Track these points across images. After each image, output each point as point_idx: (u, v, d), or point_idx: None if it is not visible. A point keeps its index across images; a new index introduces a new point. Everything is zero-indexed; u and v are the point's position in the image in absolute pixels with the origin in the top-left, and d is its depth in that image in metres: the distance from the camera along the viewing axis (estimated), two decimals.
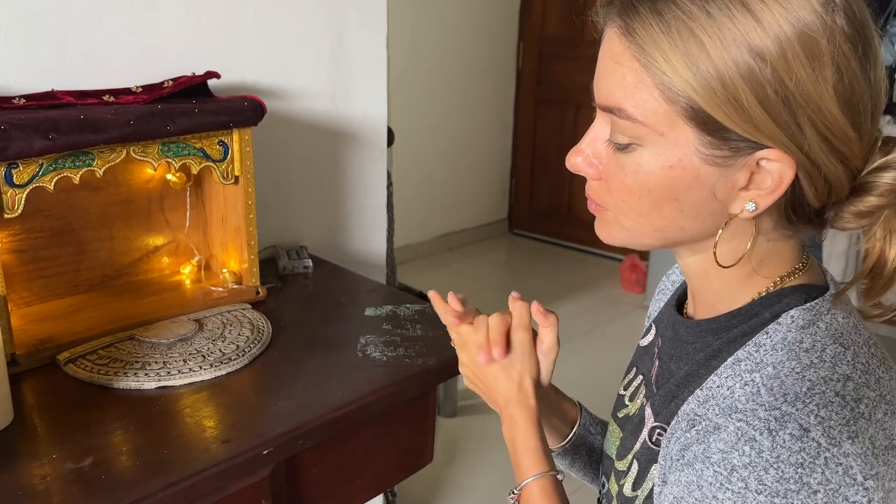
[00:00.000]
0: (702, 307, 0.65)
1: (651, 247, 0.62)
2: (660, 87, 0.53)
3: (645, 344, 0.77)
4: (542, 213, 4.37)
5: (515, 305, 0.76)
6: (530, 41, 4.20)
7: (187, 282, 1.19)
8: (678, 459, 0.55)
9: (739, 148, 0.53)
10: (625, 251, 3.90)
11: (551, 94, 4.19)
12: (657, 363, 0.70)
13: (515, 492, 0.71)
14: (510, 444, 0.72)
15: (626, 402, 0.75)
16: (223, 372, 0.94)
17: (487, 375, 0.75)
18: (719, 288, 0.62)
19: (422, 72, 3.73)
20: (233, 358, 0.96)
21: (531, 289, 3.68)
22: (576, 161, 0.61)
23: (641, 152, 0.56)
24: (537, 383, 0.74)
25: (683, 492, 0.53)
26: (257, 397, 0.91)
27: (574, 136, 4.10)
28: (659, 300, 0.81)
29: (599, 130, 0.59)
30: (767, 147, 0.52)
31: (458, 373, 1.03)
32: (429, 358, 1.00)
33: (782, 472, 0.48)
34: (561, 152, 4.21)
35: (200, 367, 0.93)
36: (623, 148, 0.57)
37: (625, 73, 0.54)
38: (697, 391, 0.58)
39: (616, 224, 0.61)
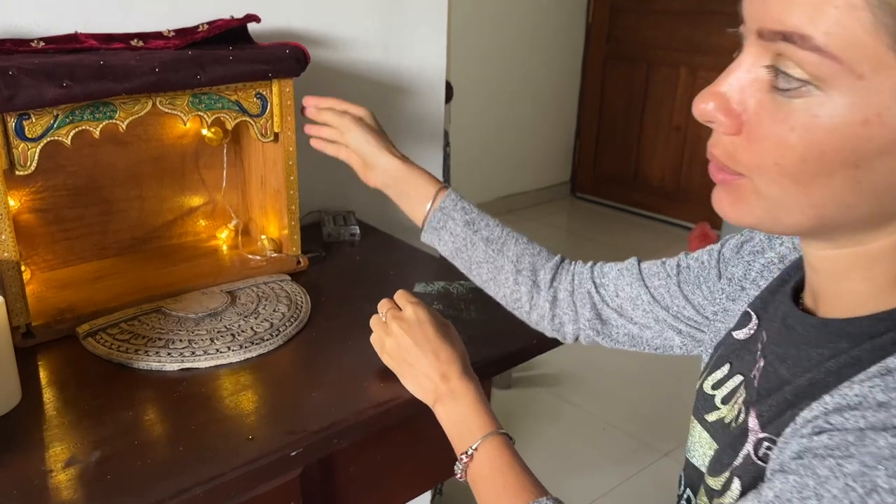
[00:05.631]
0: (831, 305, 0.51)
1: (791, 230, 0.48)
2: (874, 6, 0.38)
3: (743, 337, 0.63)
4: (607, 176, 4.17)
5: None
6: None
7: (224, 247, 1.09)
8: (794, 459, 0.43)
9: None
10: (694, 218, 3.69)
11: (622, 50, 3.95)
12: (761, 362, 0.57)
13: (470, 453, 0.68)
14: (452, 416, 0.71)
15: (718, 405, 0.62)
16: (253, 354, 0.84)
17: (411, 352, 0.75)
18: (863, 290, 0.48)
19: (485, 26, 3.54)
20: (265, 338, 0.86)
21: (592, 255, 3.47)
22: (706, 108, 0.47)
23: (820, 99, 0.41)
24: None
25: (792, 494, 0.41)
26: (289, 386, 0.80)
27: (645, 95, 3.87)
28: (749, 269, 0.67)
29: (750, 67, 0.45)
30: None
31: (518, 362, 0.92)
32: (484, 346, 0.88)
33: None
34: (629, 113, 4.00)
35: (229, 348, 0.83)
36: (790, 92, 0.43)
37: None
38: (826, 397, 0.45)
39: (754, 195, 0.47)
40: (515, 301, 0.85)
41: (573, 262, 0.85)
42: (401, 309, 0.79)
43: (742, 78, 0.46)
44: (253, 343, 0.85)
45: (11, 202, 0.91)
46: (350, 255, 1.15)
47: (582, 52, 4.12)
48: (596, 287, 0.81)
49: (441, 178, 1.45)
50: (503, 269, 0.84)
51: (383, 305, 0.81)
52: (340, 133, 0.91)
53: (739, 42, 0.47)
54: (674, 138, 3.81)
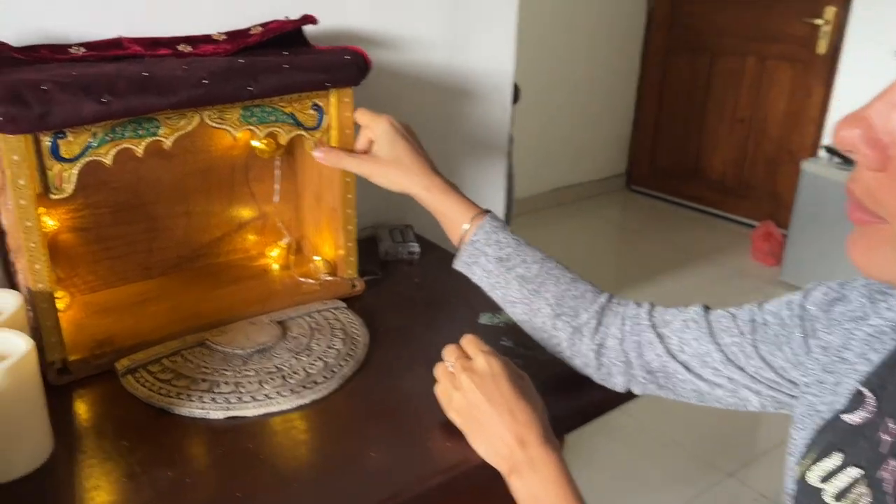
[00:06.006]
0: None
1: None
2: None
3: (858, 422, 0.53)
4: (665, 169, 4.00)
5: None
6: None
7: (274, 267, 1.01)
8: None
9: None
10: (757, 215, 3.51)
11: (684, 39, 3.76)
12: (893, 463, 0.47)
13: None
14: (531, 490, 0.63)
15: (830, 502, 0.52)
16: (306, 400, 0.76)
17: (484, 411, 0.66)
18: None
19: (543, 14, 3.40)
20: (319, 381, 0.78)
21: (647, 252, 3.37)
22: (849, 135, 0.39)
23: None
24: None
25: None
26: (345, 442, 0.72)
27: (708, 85, 3.68)
28: (850, 338, 0.57)
29: None
30: None
31: (601, 414, 0.82)
32: (560, 395, 0.78)
33: None
34: (691, 104, 3.81)
35: (279, 393, 0.75)
36: None
37: None
38: None
39: (892, 245, 0.40)
40: (555, 346, 0.77)
41: (623, 303, 0.76)
42: (470, 358, 0.70)
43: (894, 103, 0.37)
44: (305, 387, 0.77)
45: (50, 221, 0.85)
46: (408, 277, 1.06)
47: (642, 39, 3.94)
48: (660, 337, 0.71)
49: (504, 186, 1.35)
50: (540, 312, 0.76)
51: (450, 353, 0.72)
52: (369, 139, 0.86)
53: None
54: (738, 130, 3.62)
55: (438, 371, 0.72)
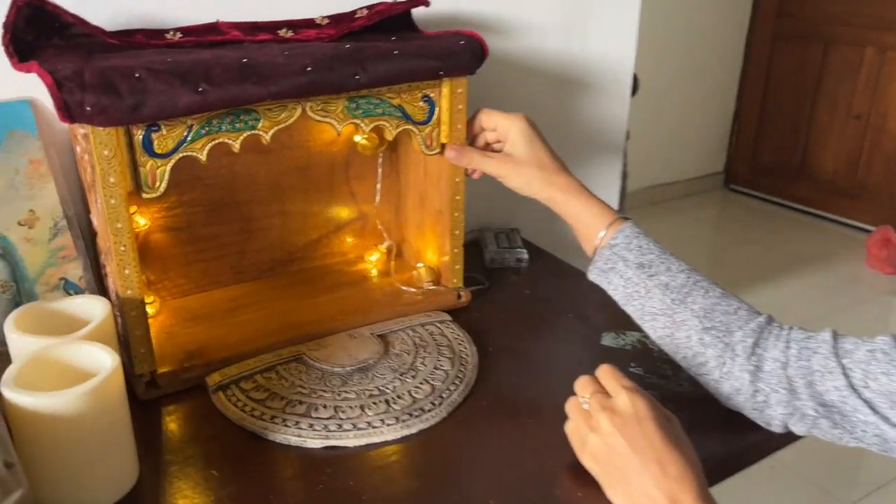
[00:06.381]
0: None
1: None
2: None
3: None
4: (768, 167, 3.75)
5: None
6: None
7: (373, 272, 0.93)
8: None
9: None
10: (873, 220, 3.23)
11: (794, 27, 3.50)
12: None
13: None
14: None
15: None
16: (412, 430, 0.67)
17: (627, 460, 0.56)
18: None
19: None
20: (426, 408, 0.69)
21: (748, 257, 3.16)
22: None
23: None
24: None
25: None
26: (456, 486, 0.62)
27: (819, 77, 3.42)
28: None
29: None
30: None
31: (756, 460, 0.70)
32: (706, 436, 0.66)
33: None
34: (799, 98, 3.55)
35: (382, 421, 0.67)
36: None
37: None
38: None
39: None
40: (699, 366, 0.66)
41: (787, 327, 0.64)
42: (609, 395, 0.60)
43: None
44: (411, 415, 0.68)
45: (141, 220, 0.79)
46: (517, 287, 0.96)
47: (746, 27, 3.70)
48: (844, 368, 0.59)
49: (619, 187, 1.24)
50: (684, 325, 0.66)
51: (585, 386, 0.62)
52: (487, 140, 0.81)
53: None
54: (852, 127, 3.35)
55: (570, 407, 0.62)
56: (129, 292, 0.67)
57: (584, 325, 0.87)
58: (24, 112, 0.70)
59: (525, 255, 1.00)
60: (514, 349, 0.81)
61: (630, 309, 0.71)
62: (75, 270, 0.72)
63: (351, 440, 0.65)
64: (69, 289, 0.72)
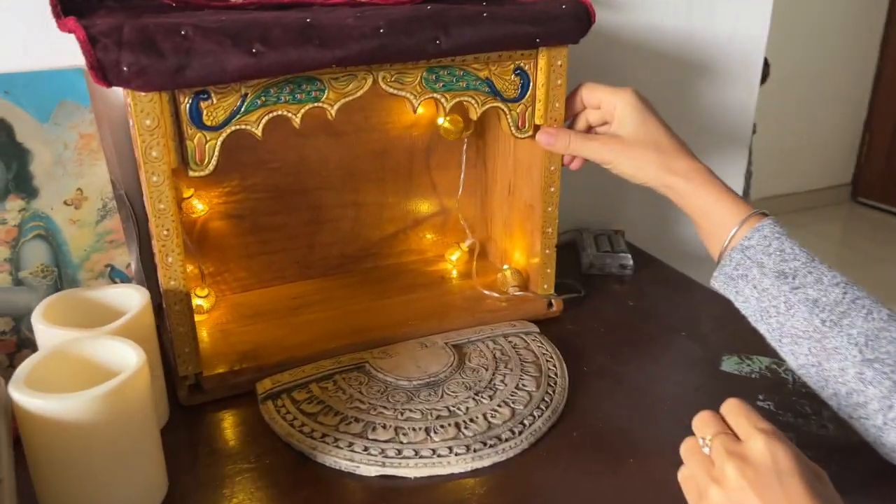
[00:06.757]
0: None
1: None
2: None
3: None
4: None
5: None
6: None
7: (453, 273, 0.83)
8: None
9: None
10: None
11: None
12: None
13: None
14: None
15: None
16: (486, 462, 0.56)
17: None
18: None
19: None
20: (504, 435, 0.58)
21: (877, 277, 2.84)
22: None
23: None
24: None
25: None
26: None
27: None
28: None
29: None
30: None
31: None
32: (861, 493, 0.52)
33: None
34: None
35: (451, 450, 0.56)
36: None
37: None
38: None
39: None
40: (856, 406, 0.52)
41: None
42: (739, 437, 0.46)
43: None
44: (485, 444, 0.57)
45: (199, 205, 0.72)
46: (619, 298, 0.83)
47: (883, 23, 3.36)
48: None
49: (742, 187, 1.08)
50: (837, 353, 0.52)
51: (707, 424, 0.48)
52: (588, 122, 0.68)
53: None
54: None
55: (687, 449, 0.49)
56: (172, 283, 0.60)
57: (699, 345, 0.73)
58: (76, 81, 0.64)
59: (630, 260, 0.87)
60: (612, 371, 0.68)
61: (764, 328, 0.57)
62: (123, 257, 0.66)
63: (411, 469, 0.55)
64: (115, 277, 0.66)
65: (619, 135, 0.64)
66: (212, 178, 0.72)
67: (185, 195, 0.70)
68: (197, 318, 0.72)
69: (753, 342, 0.70)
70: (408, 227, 0.84)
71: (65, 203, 0.64)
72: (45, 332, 0.54)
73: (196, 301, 0.72)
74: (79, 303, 0.57)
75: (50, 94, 0.63)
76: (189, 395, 0.63)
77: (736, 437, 0.47)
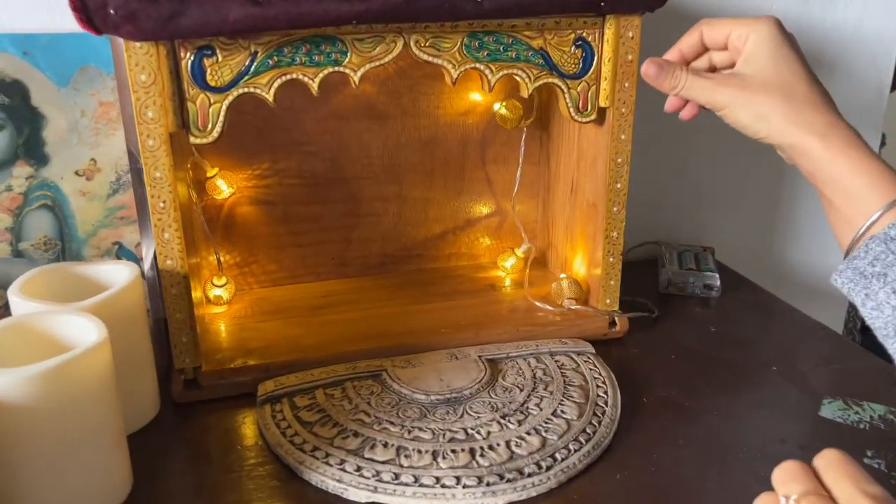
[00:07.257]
0: None
1: None
2: None
3: None
4: None
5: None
6: None
7: (506, 281, 0.73)
8: None
9: None
10: None
11: None
12: None
13: None
14: None
15: None
16: (498, 501, 0.45)
17: None
18: None
19: None
20: (526, 469, 0.47)
21: None
22: None
23: None
24: None
25: None
26: None
27: None
28: None
29: None
30: None
31: None
32: None
33: None
34: None
35: (458, 480, 0.46)
36: None
37: None
38: None
39: None
40: None
41: None
42: (835, 499, 0.34)
43: None
44: (502, 478, 0.46)
45: (224, 187, 0.66)
46: (699, 322, 0.70)
47: None
48: None
49: None
50: None
51: (793, 478, 0.35)
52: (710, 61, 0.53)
53: None
54: None
55: None
56: (168, 262, 0.53)
57: (794, 384, 0.59)
58: (100, 46, 0.60)
59: (717, 280, 0.74)
60: (679, 406, 0.56)
61: (895, 347, 0.43)
62: (133, 235, 0.61)
63: (407, 499, 0.45)
64: (123, 256, 0.61)
65: (741, 73, 0.49)
66: (240, 158, 0.67)
67: (209, 174, 0.65)
68: (215, 309, 0.66)
69: (865, 385, 0.56)
70: (457, 227, 0.75)
71: (76, 173, 0.59)
72: (19, 304, 0.49)
73: (213, 291, 0.66)
74: (65, 277, 0.52)
75: (72, 57, 0.59)
76: (183, 390, 0.56)
77: (831, 498, 0.34)
